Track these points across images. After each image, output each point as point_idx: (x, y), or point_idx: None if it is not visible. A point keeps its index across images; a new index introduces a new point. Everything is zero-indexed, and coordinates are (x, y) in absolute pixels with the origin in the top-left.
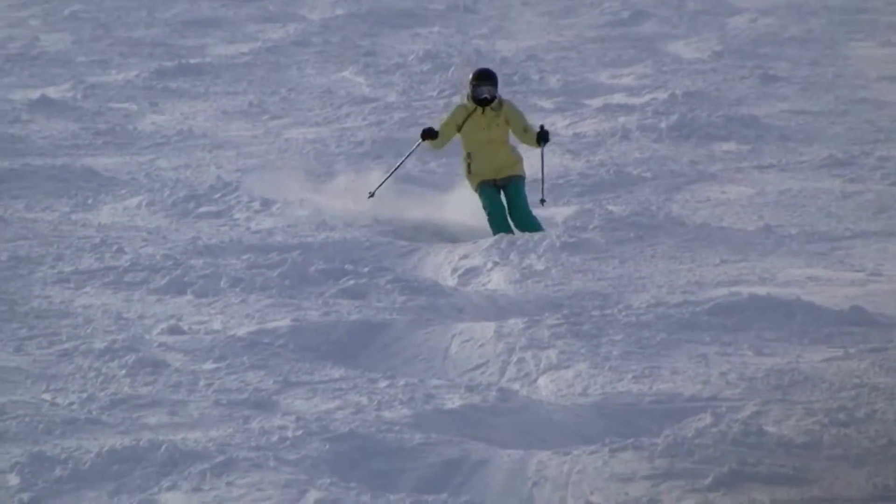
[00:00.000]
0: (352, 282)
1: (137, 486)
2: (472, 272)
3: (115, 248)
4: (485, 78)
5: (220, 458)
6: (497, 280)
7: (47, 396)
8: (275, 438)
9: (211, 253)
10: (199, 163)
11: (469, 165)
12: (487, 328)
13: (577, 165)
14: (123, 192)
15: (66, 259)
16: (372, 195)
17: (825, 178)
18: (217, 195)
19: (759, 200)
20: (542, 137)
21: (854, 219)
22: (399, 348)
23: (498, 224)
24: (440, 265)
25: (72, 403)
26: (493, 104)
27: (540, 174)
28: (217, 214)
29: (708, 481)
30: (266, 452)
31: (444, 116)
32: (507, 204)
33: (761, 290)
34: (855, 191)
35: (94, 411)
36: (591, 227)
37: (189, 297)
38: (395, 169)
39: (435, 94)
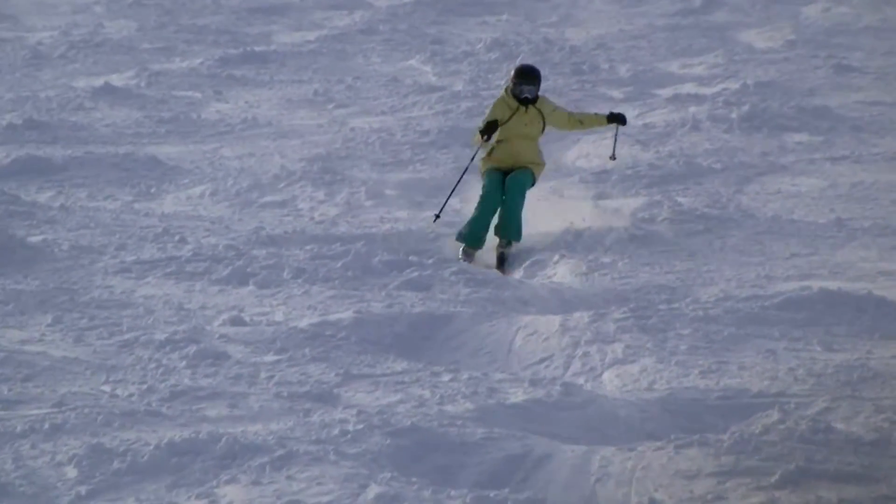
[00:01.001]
0: (416, 273)
1: (196, 479)
2: (537, 264)
3: (177, 237)
4: (528, 77)
5: (280, 452)
6: (563, 272)
7: (107, 388)
8: (335, 432)
9: (274, 243)
10: (264, 152)
11: (492, 151)
12: (552, 321)
13: (646, 156)
14: (186, 181)
15: (127, 249)
16: (438, 217)
17: None
18: (281, 185)
19: (831, 193)
20: (618, 119)
21: None
22: (463, 341)
23: (486, 203)
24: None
25: (131, 395)
26: (536, 102)
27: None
28: (281, 204)
29: (774, 479)
30: (326, 446)
31: (487, 113)
32: (505, 186)
33: (832, 285)
34: None
35: (153, 403)
36: (659, 219)
37: (251, 287)
38: (457, 184)
39: (503, 83)
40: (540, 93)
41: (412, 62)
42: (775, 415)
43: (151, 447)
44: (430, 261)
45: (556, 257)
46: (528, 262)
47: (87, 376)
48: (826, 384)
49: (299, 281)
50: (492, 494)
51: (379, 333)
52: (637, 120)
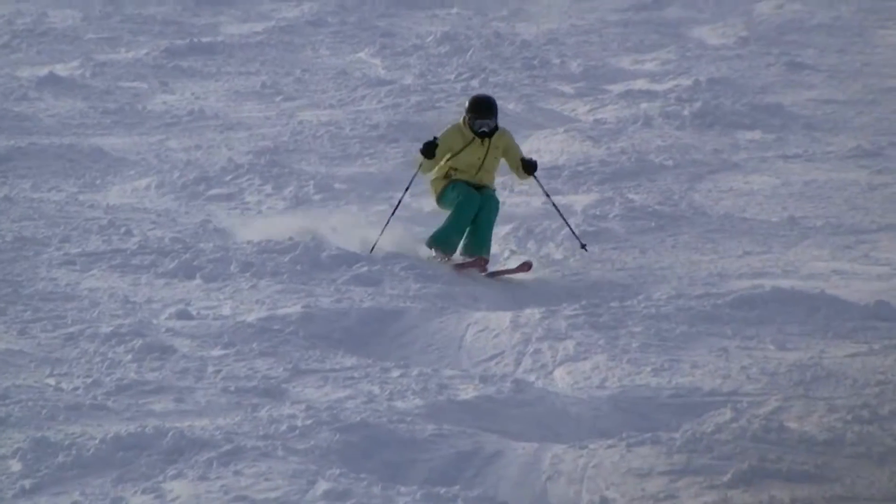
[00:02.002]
0: (365, 268)
1: (142, 473)
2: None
3: (122, 230)
4: (484, 109)
5: (228, 447)
6: (512, 266)
7: (51, 381)
8: (284, 427)
9: (221, 237)
10: (210, 144)
11: (448, 174)
12: (503, 318)
13: (597, 152)
14: (132, 172)
15: (72, 241)
16: (372, 251)
17: (852, 170)
18: (228, 177)
19: (784, 191)
20: (528, 166)
21: (881, 211)
22: (413, 337)
23: (463, 211)
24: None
25: (76, 388)
26: (495, 134)
27: (559, 216)
28: (228, 197)
29: (727, 478)
30: (274, 441)
31: (439, 134)
32: (480, 203)
33: (785, 283)
34: (882, 182)
35: (98, 397)
36: (611, 216)
37: (198, 281)
38: (393, 213)
39: (453, 77)
40: (500, 123)
41: (361, 55)
42: (728, 413)
43: (97, 441)
44: (380, 256)
45: (507, 253)
46: None
47: (32, 369)
48: (779, 383)
49: (247, 275)
50: (442, 491)
51: (328, 328)
52: (588, 115)
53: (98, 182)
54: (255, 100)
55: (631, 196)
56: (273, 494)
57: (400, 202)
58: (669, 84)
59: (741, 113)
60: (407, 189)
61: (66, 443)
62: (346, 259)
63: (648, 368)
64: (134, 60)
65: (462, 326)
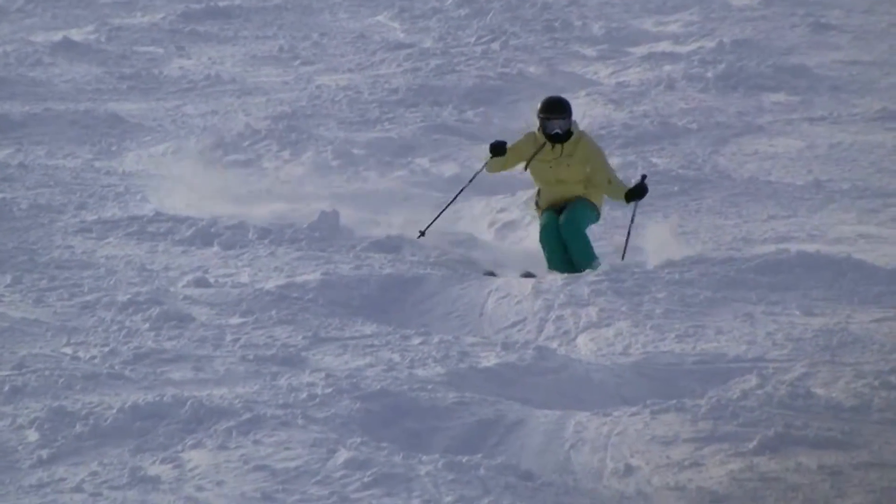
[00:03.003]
0: (384, 234)
1: (160, 443)
2: (509, 226)
3: (139, 196)
4: (555, 109)
5: (247, 416)
6: (535, 235)
7: (68, 350)
8: (303, 396)
9: (239, 203)
10: (227, 109)
11: (537, 202)
12: (525, 284)
13: (620, 116)
14: (148, 138)
15: (88, 208)
16: (422, 234)
17: (878, 132)
18: (246, 143)
19: (809, 154)
20: (635, 195)
21: None
22: (433, 304)
23: (545, 249)
24: (477, 218)
25: (93, 357)
26: (570, 140)
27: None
28: (245, 163)
29: (753, 445)
30: (294, 410)
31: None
32: (561, 228)
33: (810, 248)
34: None
35: (116, 366)
36: (633, 180)
37: (216, 248)
38: (451, 202)
39: (473, 40)
40: (574, 125)
41: (380, 18)
42: (753, 380)
43: (114, 411)
44: (399, 221)
45: (528, 219)
46: (499, 224)
47: (48, 338)
48: (805, 349)
49: (265, 242)
50: (464, 460)
51: (347, 296)
52: (611, 79)
53: (114, 148)
54: (273, 64)
55: (654, 160)
56: (293, 464)
57: (457, 196)
58: (693, 46)
59: (766, 75)
60: (469, 183)
61: (84, 412)
62: (366, 225)
63: (672, 335)
64: (150, 25)
65: (483, 293)
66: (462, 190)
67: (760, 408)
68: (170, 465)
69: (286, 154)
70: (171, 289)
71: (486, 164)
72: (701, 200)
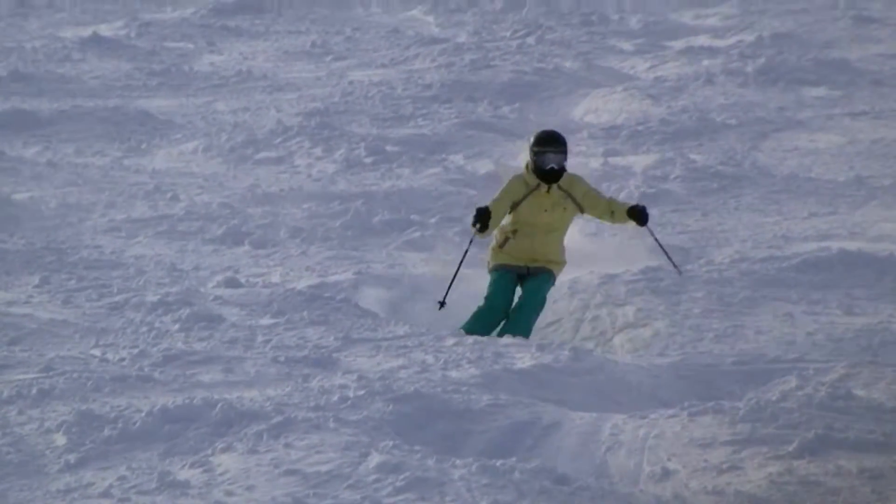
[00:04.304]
0: (418, 233)
1: (190, 447)
2: None
3: (169, 195)
4: (551, 142)
5: (278, 419)
6: (572, 232)
7: (96, 352)
8: (335, 398)
9: (270, 201)
10: (259, 106)
11: (506, 240)
12: (560, 283)
13: (657, 111)
14: (179, 136)
15: (117, 206)
16: (443, 304)
17: None
18: (277, 140)
19: (851, 149)
20: (638, 213)
21: None
22: (467, 304)
23: (481, 317)
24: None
25: (122, 359)
26: (563, 179)
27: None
28: (277, 161)
29: (792, 447)
30: (326, 413)
31: (498, 191)
32: (521, 298)
33: (851, 246)
34: None
35: (145, 368)
36: (671, 177)
37: (246, 247)
38: (456, 273)
39: (508, 34)
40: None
41: (414, 12)
42: (793, 381)
43: (143, 414)
44: (433, 220)
45: None
46: None
47: (76, 340)
48: (846, 349)
49: (297, 241)
50: (498, 463)
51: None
52: (648, 73)
53: (143, 146)
54: (305, 59)
55: (692, 156)
56: (325, 467)
57: (465, 255)
58: (732, 40)
59: (806, 69)
60: (462, 260)
61: (112, 415)
62: (399, 224)
63: (711, 335)
64: (180, 20)
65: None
66: (464, 257)
67: (800, 409)
68: (199, 470)
69: (318, 151)
70: (202, 289)
71: (473, 238)
72: (740, 197)
